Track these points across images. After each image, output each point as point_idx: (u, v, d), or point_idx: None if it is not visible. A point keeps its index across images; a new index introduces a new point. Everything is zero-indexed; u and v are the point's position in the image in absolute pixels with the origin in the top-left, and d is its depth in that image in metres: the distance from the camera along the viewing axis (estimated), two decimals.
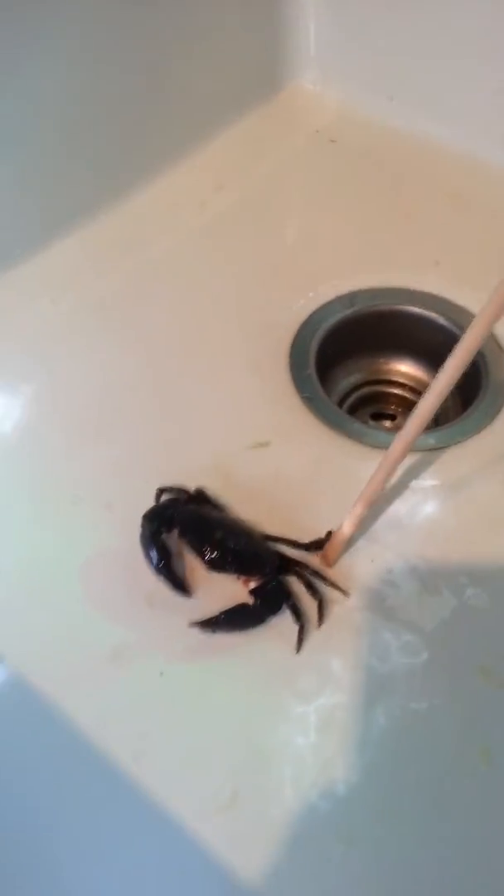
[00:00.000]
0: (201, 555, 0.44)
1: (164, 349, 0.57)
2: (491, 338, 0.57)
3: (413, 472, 0.50)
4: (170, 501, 0.48)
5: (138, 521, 0.46)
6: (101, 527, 0.47)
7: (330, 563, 0.46)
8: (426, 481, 0.50)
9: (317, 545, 0.46)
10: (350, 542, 0.46)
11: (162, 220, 0.66)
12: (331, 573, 0.45)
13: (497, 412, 0.53)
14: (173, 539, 0.46)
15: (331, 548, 0.45)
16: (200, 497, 0.48)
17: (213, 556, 0.44)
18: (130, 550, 0.46)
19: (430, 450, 0.51)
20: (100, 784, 0.38)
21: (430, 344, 0.60)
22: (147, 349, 0.58)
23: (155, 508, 0.47)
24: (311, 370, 0.55)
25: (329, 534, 0.46)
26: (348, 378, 0.61)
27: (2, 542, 0.48)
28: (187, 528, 0.45)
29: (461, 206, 0.68)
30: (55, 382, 0.56)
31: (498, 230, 0.66)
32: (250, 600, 0.44)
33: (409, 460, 0.51)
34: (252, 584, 0.44)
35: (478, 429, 0.52)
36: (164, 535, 0.45)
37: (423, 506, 0.49)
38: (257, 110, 0.75)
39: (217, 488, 0.49)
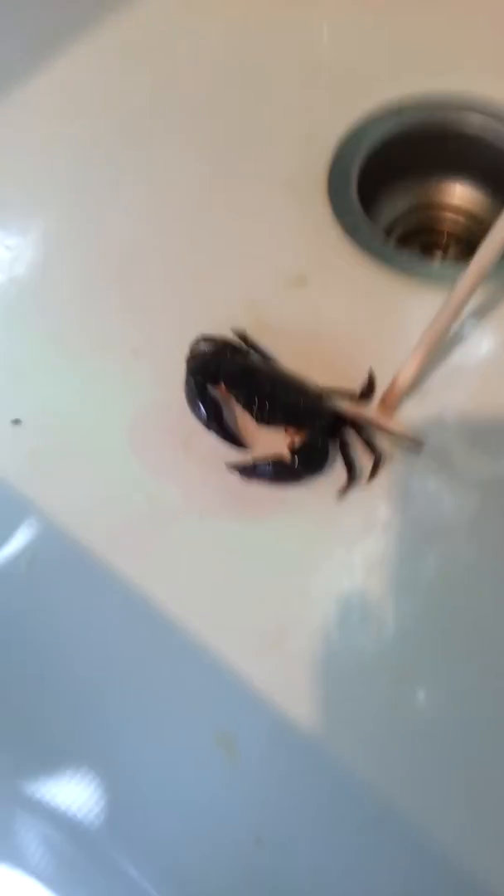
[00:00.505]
0: (250, 408, 0.41)
1: (189, 173, 0.51)
2: None
3: (467, 308, 0.45)
4: (214, 353, 0.44)
5: (165, 366, 0.43)
6: (129, 374, 0.44)
7: (390, 410, 0.42)
8: (482, 318, 0.45)
9: (370, 392, 0.43)
10: (410, 389, 0.42)
11: (183, 19, 0.57)
12: (395, 426, 0.42)
13: None
14: (220, 391, 0.42)
15: (390, 395, 0.42)
16: (246, 346, 0.44)
17: (262, 409, 0.41)
18: (162, 397, 0.43)
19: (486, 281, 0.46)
20: (145, 631, 0.38)
21: (491, 162, 0.52)
22: (169, 174, 0.51)
23: (200, 360, 0.43)
24: (353, 195, 0.49)
25: (391, 382, 0.42)
26: (394, 203, 0.54)
27: (28, 393, 0.45)
28: (235, 381, 0.42)
29: None
30: (69, 218, 0.51)
31: None
32: (290, 456, 0.41)
33: (475, 298, 0.46)
34: (297, 440, 0.41)
35: None
36: (210, 388, 0.42)
37: (480, 349, 0.45)
38: None
39: (252, 328, 0.45)
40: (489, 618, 0.37)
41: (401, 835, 0.34)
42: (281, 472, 0.41)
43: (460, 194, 0.55)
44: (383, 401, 0.42)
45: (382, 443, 0.42)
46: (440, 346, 0.40)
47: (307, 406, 0.42)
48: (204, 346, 0.44)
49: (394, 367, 0.43)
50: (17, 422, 0.43)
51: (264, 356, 0.45)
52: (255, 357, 0.44)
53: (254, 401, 0.41)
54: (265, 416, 0.41)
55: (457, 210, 0.55)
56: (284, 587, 0.38)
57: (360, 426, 0.42)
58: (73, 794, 0.35)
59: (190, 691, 0.37)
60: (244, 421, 0.43)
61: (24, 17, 0.54)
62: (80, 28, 0.55)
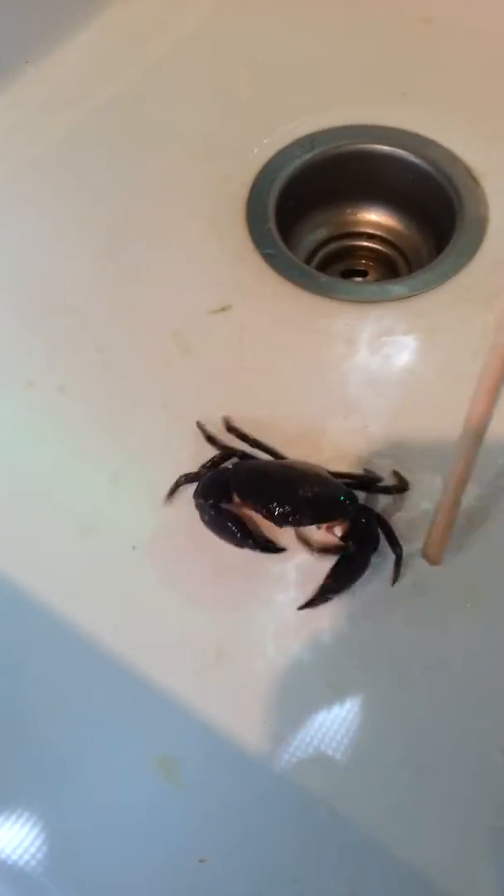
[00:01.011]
0: (271, 515, 0.39)
1: (111, 210, 0.53)
2: (464, 170, 0.52)
3: (383, 324, 0.47)
4: (214, 468, 0.41)
5: (95, 399, 0.44)
6: (56, 411, 0.45)
7: (436, 561, 0.39)
8: (399, 331, 0.47)
9: (398, 488, 0.41)
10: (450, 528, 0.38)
11: (101, 66, 0.59)
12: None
13: (474, 252, 0.49)
14: (234, 504, 0.40)
15: (432, 544, 0.39)
16: (243, 455, 0.42)
17: (287, 512, 0.38)
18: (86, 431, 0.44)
19: (403, 299, 0.48)
20: (79, 659, 0.38)
21: (401, 185, 0.55)
22: (92, 212, 0.53)
23: (205, 482, 0.40)
24: (272, 224, 0.51)
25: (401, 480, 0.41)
26: (313, 233, 0.57)
27: None
28: (249, 492, 0.39)
29: (431, 28, 0.61)
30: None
31: (471, 54, 0.60)
32: (343, 546, 0.39)
33: (380, 310, 0.48)
34: (337, 529, 0.39)
35: (453, 272, 0.49)
36: (225, 504, 0.40)
37: (396, 357, 0.46)
38: None
39: (176, 357, 0.46)
40: (423, 616, 0.38)
41: (346, 845, 0.34)
42: (351, 566, 0.39)
43: (375, 218, 0.57)
44: (426, 549, 0.39)
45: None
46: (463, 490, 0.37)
47: (329, 496, 0.39)
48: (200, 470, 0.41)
49: (318, 378, 0.45)
50: None
51: (263, 447, 0.43)
52: (253, 455, 0.42)
53: (274, 506, 0.38)
54: (291, 519, 0.38)
55: (372, 234, 0.57)
56: (219, 606, 0.39)
57: (382, 521, 0.40)
58: (12, 831, 0.34)
59: (127, 716, 0.37)
60: (266, 523, 0.40)
61: None
62: (1, 78, 0.57)
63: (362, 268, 0.57)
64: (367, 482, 0.41)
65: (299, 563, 0.40)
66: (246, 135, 0.55)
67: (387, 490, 0.41)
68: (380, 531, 0.39)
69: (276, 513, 0.38)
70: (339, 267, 0.57)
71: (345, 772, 0.35)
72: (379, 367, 0.46)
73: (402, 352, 0.47)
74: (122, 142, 0.56)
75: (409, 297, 0.48)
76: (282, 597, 0.39)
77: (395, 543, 0.39)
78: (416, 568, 0.39)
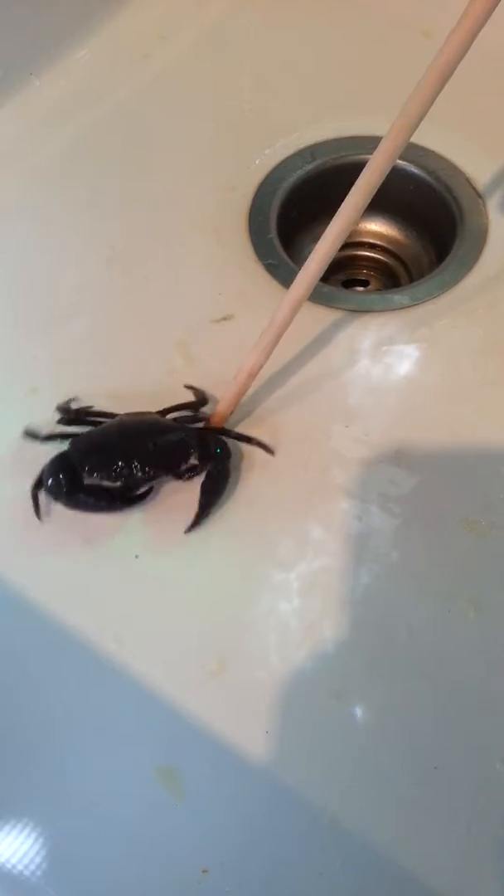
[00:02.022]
0: (127, 479, 0.40)
1: (115, 221, 0.53)
2: (465, 181, 0.53)
3: (385, 333, 0.48)
4: (52, 459, 0.41)
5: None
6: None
7: (218, 422, 0.42)
8: (400, 340, 0.47)
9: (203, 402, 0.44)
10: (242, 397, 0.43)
11: (103, 79, 0.60)
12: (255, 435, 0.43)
13: (474, 262, 0.50)
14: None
15: (221, 403, 0.42)
16: (74, 417, 0.43)
17: (137, 471, 0.39)
18: None
19: (404, 308, 0.48)
20: (81, 669, 0.38)
21: (402, 196, 0.55)
22: (96, 222, 0.53)
23: (46, 471, 0.40)
24: (273, 235, 0.51)
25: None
26: (314, 243, 0.57)
27: None
28: (95, 465, 0.39)
29: (433, 42, 0.61)
30: (1, 264, 0.52)
31: (473, 67, 0.60)
32: (199, 466, 0.41)
33: (381, 319, 0.48)
34: (193, 460, 0.41)
35: (454, 281, 0.49)
36: (82, 483, 0.40)
37: (397, 366, 0.47)
38: None
39: (181, 366, 0.47)
40: (421, 627, 0.38)
41: (348, 855, 0.34)
42: (214, 484, 0.41)
43: (376, 229, 0.58)
44: (213, 412, 0.43)
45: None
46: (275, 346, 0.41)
47: (171, 439, 0.41)
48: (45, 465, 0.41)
49: (320, 387, 0.45)
50: None
51: (99, 415, 0.43)
52: (90, 423, 0.42)
53: (126, 469, 0.39)
54: (144, 475, 0.39)
55: (373, 244, 0.58)
56: (223, 616, 0.39)
57: (226, 430, 0.43)
58: (15, 842, 0.34)
59: (129, 726, 0.37)
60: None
61: None
62: (6, 90, 0.57)
63: (364, 277, 0.58)
64: (192, 407, 0.43)
65: (302, 571, 0.40)
66: (247, 146, 0.55)
67: (190, 406, 0.43)
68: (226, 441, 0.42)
69: (133, 474, 0.39)
70: (340, 276, 0.58)
71: (347, 781, 0.35)
72: (380, 376, 0.46)
73: (404, 360, 0.47)
74: (126, 153, 0.56)
75: (410, 306, 0.49)
76: (284, 606, 0.39)
77: (246, 439, 0.43)
78: None
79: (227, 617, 0.39)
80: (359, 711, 0.36)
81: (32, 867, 0.34)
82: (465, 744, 0.36)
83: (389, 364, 0.47)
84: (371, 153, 0.55)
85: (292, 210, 0.53)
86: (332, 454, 0.43)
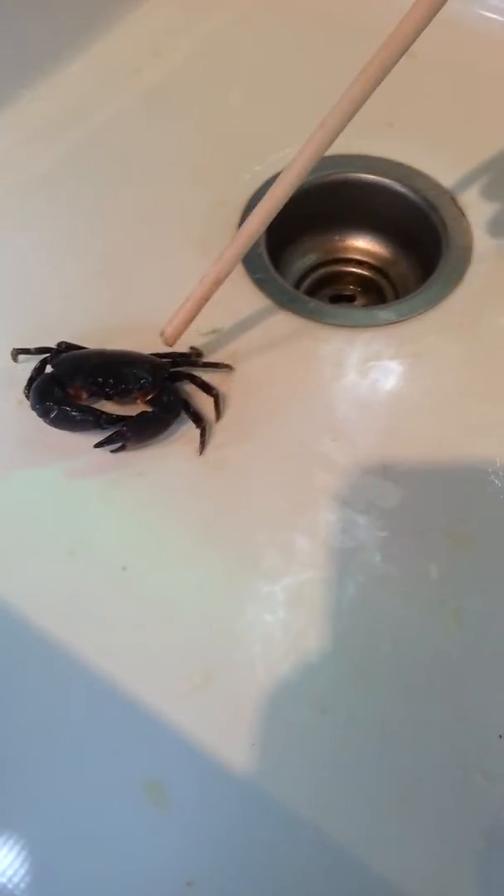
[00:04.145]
0: (102, 390, 0.44)
1: (105, 234, 0.54)
2: (450, 200, 0.54)
3: (372, 348, 0.48)
4: (40, 370, 0.46)
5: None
6: (46, 431, 0.45)
7: (170, 342, 0.45)
8: (386, 356, 0.48)
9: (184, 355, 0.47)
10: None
11: (96, 91, 0.60)
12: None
13: (459, 280, 0.51)
14: (69, 395, 0.45)
15: (176, 319, 0.44)
16: (65, 348, 0.47)
17: (111, 386, 0.44)
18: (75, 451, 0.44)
19: (390, 324, 0.49)
20: (65, 681, 0.38)
21: (387, 214, 0.56)
22: (86, 235, 0.54)
23: (36, 387, 0.44)
24: (262, 250, 0.52)
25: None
26: (303, 259, 0.58)
27: None
28: (75, 376, 0.44)
29: (418, 63, 0.63)
30: None
31: (458, 87, 0.62)
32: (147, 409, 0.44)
33: (368, 335, 0.49)
34: (147, 398, 0.45)
35: (439, 298, 0.50)
36: (63, 399, 0.44)
37: (383, 381, 0.47)
38: None
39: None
40: (405, 639, 0.39)
41: (331, 866, 0.34)
42: (146, 423, 0.43)
43: (362, 246, 0.59)
44: (163, 329, 0.44)
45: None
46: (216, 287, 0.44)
47: (145, 367, 0.45)
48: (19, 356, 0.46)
49: (307, 400, 0.46)
50: None
51: (80, 348, 0.47)
52: (76, 349, 0.47)
53: (99, 382, 0.44)
54: (118, 391, 0.44)
55: (360, 261, 0.58)
56: (208, 628, 0.39)
57: (192, 376, 0.46)
58: None
59: (114, 741, 0.37)
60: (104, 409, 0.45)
61: None
62: (6, 93, 0.58)
63: (350, 293, 0.58)
64: (181, 357, 0.47)
65: (287, 585, 0.40)
66: (237, 162, 0.56)
67: (204, 365, 0.47)
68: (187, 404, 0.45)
69: (106, 387, 0.44)
70: (327, 292, 0.58)
71: (332, 793, 0.35)
72: (367, 391, 0.47)
73: (389, 376, 0.48)
74: (117, 167, 0.57)
75: (396, 322, 0.49)
76: (269, 617, 0.39)
77: (204, 365, 0.46)
78: None
79: (212, 628, 0.39)
80: (343, 724, 0.37)
81: (16, 880, 0.33)
82: (448, 756, 0.36)
83: (376, 379, 0.48)
84: (358, 171, 0.56)
85: (281, 227, 0.54)
86: (318, 467, 0.44)
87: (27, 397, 0.45)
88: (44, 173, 0.56)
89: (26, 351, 0.46)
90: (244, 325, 0.49)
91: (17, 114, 0.58)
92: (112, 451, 0.43)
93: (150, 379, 0.44)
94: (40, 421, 0.44)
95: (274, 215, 0.42)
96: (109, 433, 0.43)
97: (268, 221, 0.42)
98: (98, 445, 0.43)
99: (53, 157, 0.57)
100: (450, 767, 0.36)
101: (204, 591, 0.40)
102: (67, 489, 0.43)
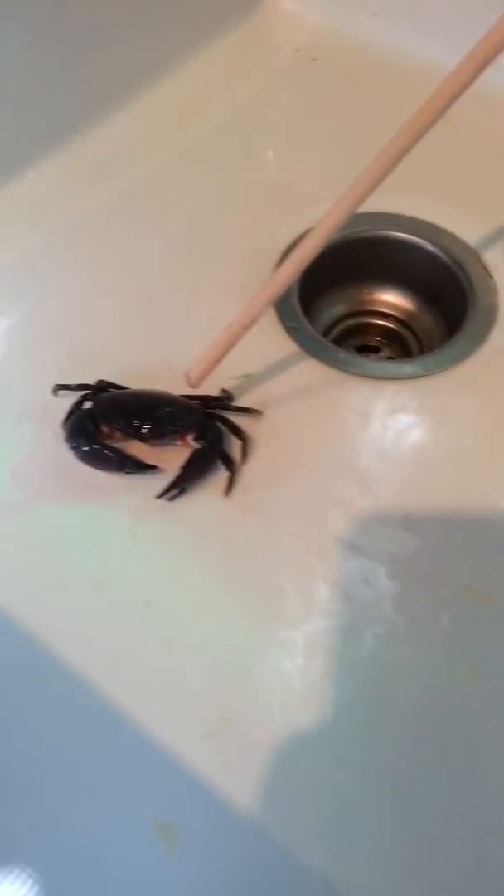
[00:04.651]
0: (138, 433, 0.45)
1: (146, 276, 0.56)
2: (477, 260, 0.56)
3: (397, 401, 0.50)
4: (78, 405, 0.47)
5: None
6: (80, 468, 0.46)
7: (194, 383, 0.46)
8: (410, 409, 0.49)
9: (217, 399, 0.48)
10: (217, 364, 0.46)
11: (143, 142, 0.63)
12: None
13: (484, 338, 0.52)
14: (103, 434, 0.46)
15: (203, 362, 0.45)
16: (104, 386, 0.48)
17: (150, 427, 0.45)
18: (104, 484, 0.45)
19: (416, 377, 0.51)
20: (84, 716, 0.38)
21: (416, 271, 0.58)
22: (128, 277, 0.56)
23: (72, 423, 0.46)
24: (295, 299, 0.54)
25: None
26: (332, 309, 0.60)
27: None
28: (111, 416, 0.45)
29: (450, 127, 0.65)
30: (36, 312, 0.54)
31: (488, 152, 0.64)
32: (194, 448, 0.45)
33: (394, 387, 0.50)
34: (190, 439, 0.46)
35: (464, 355, 0.51)
36: (96, 437, 0.45)
37: (406, 434, 0.48)
38: (237, 30, 0.71)
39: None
40: (422, 694, 0.39)
41: None
42: (200, 461, 0.45)
43: (389, 300, 0.60)
44: (189, 371, 0.46)
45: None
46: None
47: (182, 409, 0.46)
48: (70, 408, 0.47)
49: (332, 449, 0.47)
50: None
51: (121, 387, 0.48)
52: (115, 389, 0.48)
53: (135, 426, 0.45)
54: (153, 435, 0.45)
55: (387, 314, 0.60)
56: (227, 671, 0.39)
57: (223, 419, 0.47)
58: (9, 893, 0.34)
59: (129, 779, 0.37)
60: (138, 451, 0.46)
61: (10, 128, 0.59)
62: (51, 146, 0.61)
63: (375, 344, 0.60)
64: (214, 401, 0.48)
65: (307, 631, 0.40)
66: (274, 214, 0.58)
67: (235, 409, 0.48)
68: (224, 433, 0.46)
69: (142, 430, 0.45)
70: (353, 342, 0.60)
71: (343, 845, 0.35)
72: (390, 442, 0.48)
73: (413, 428, 0.49)
74: (159, 213, 0.59)
75: (421, 376, 0.51)
76: (288, 664, 0.40)
77: (235, 409, 0.47)
78: None
79: (231, 671, 0.39)
80: (357, 775, 0.37)
81: None
82: (461, 813, 0.36)
83: (400, 431, 0.49)
84: (390, 229, 0.58)
85: (313, 278, 0.55)
86: (341, 515, 0.44)
87: (63, 430, 0.46)
88: (90, 215, 0.59)
89: (66, 387, 0.48)
90: (274, 371, 0.51)
91: (69, 156, 0.60)
92: (170, 499, 0.44)
93: (187, 422, 0.45)
94: (73, 455, 0.45)
95: (304, 267, 0.44)
96: (138, 471, 0.44)
97: (298, 273, 0.44)
98: (160, 497, 0.44)
99: (101, 200, 0.59)
100: (463, 825, 0.36)
101: (224, 632, 0.41)
102: (96, 523, 0.44)
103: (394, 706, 0.39)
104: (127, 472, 0.45)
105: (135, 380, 0.49)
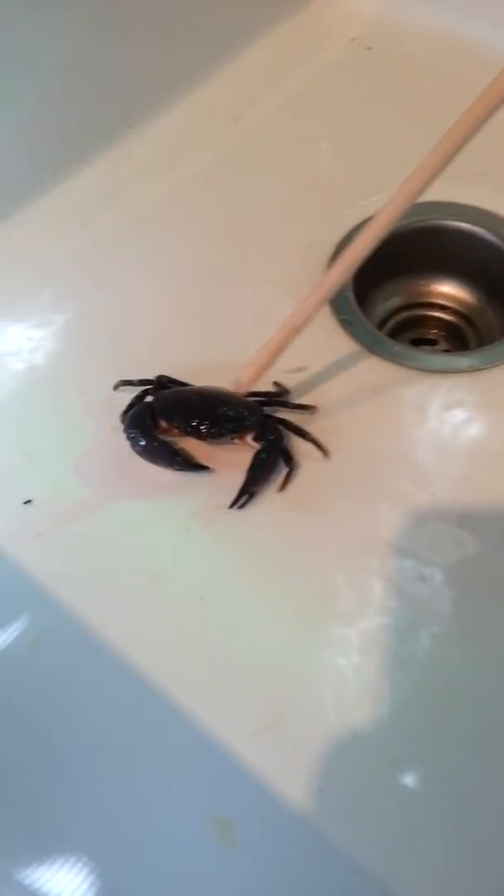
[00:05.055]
0: (196, 431, 0.45)
1: (200, 271, 0.56)
2: None
3: (453, 395, 0.48)
4: (139, 399, 0.47)
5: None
6: (135, 458, 0.47)
7: (245, 387, 0.46)
8: (467, 403, 0.48)
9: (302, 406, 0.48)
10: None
11: (195, 137, 0.63)
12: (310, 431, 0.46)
13: None
14: (161, 430, 0.46)
15: (253, 366, 0.45)
16: (165, 382, 0.48)
17: (208, 426, 0.44)
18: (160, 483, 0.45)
19: (474, 370, 0.49)
20: (141, 709, 0.38)
21: (475, 262, 0.56)
22: (181, 272, 0.56)
23: (132, 414, 0.46)
24: (349, 292, 0.53)
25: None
26: (387, 302, 0.58)
27: (38, 473, 0.47)
28: (171, 413, 0.45)
29: None
30: (91, 308, 0.55)
31: None
32: (256, 450, 0.45)
33: (451, 381, 0.49)
34: (249, 439, 0.45)
35: None
36: (154, 432, 0.45)
37: (464, 428, 0.47)
38: (290, 20, 0.71)
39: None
40: (480, 696, 0.38)
41: None
42: (263, 464, 0.44)
43: (447, 291, 0.59)
44: (239, 376, 0.45)
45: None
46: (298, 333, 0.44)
47: (241, 409, 0.45)
48: (131, 401, 0.47)
49: (387, 444, 0.46)
50: (28, 502, 0.45)
51: (182, 383, 0.48)
52: (175, 385, 0.48)
53: (194, 425, 0.45)
54: (212, 434, 0.45)
55: (444, 306, 0.59)
56: (281, 667, 0.39)
57: (285, 421, 0.46)
58: (66, 880, 0.35)
59: (186, 774, 0.37)
60: (194, 448, 0.46)
61: (59, 129, 0.60)
62: (104, 143, 0.62)
63: (432, 337, 0.59)
64: (275, 397, 0.48)
65: (361, 629, 0.40)
66: (329, 206, 0.57)
67: (292, 406, 0.47)
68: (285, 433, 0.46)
69: (200, 428, 0.44)
70: (409, 335, 0.59)
71: (398, 847, 0.35)
72: (448, 437, 0.47)
73: (472, 423, 0.48)
74: (212, 208, 0.59)
75: (479, 369, 0.49)
76: (343, 661, 0.39)
77: (302, 434, 0.46)
78: None
79: (285, 667, 0.39)
80: (414, 777, 0.36)
81: None
82: None
83: (457, 426, 0.47)
84: (448, 218, 0.57)
85: (368, 269, 0.54)
86: (396, 511, 0.44)
87: (122, 422, 0.46)
88: (144, 211, 0.59)
89: (129, 382, 0.48)
90: (328, 365, 0.50)
91: (123, 153, 0.61)
92: (241, 507, 0.44)
93: (246, 422, 0.45)
94: (130, 448, 0.45)
95: (358, 264, 0.43)
96: (188, 469, 0.45)
97: (352, 270, 0.43)
98: (232, 506, 0.43)
99: (154, 196, 0.60)
100: None
101: (279, 628, 0.40)
102: (151, 516, 0.44)
103: (451, 707, 0.38)
104: (177, 469, 0.45)
105: (187, 375, 0.49)
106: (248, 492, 0.44)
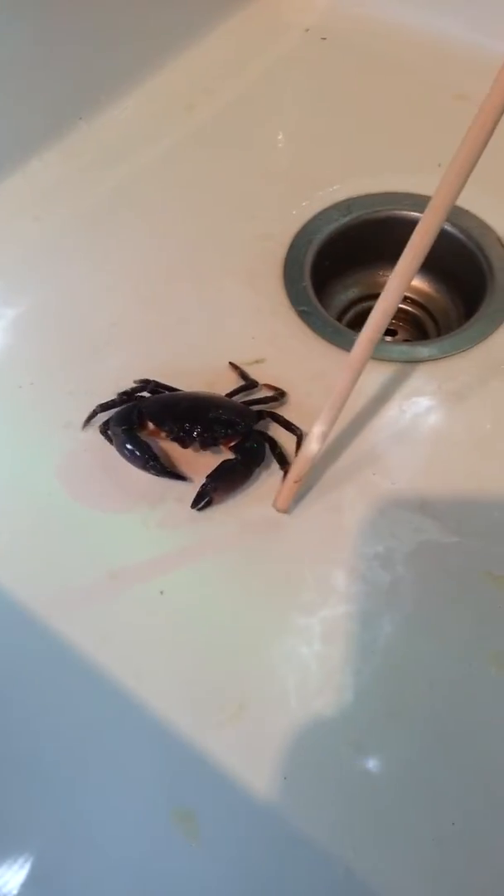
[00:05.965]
0: (187, 435, 0.43)
1: (155, 263, 0.55)
2: (496, 241, 0.55)
3: (414, 384, 0.49)
4: (125, 398, 0.46)
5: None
6: (94, 450, 0.46)
7: (283, 508, 0.43)
8: (427, 392, 0.48)
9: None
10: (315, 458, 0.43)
11: (148, 127, 0.62)
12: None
13: (503, 319, 0.51)
14: (147, 432, 0.45)
15: (297, 466, 0.42)
16: (155, 387, 0.47)
17: (196, 433, 0.43)
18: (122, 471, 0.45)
19: (433, 360, 0.50)
20: (102, 704, 0.38)
21: (432, 252, 0.56)
22: (136, 264, 0.55)
23: (120, 411, 0.45)
24: (307, 283, 0.53)
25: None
26: (346, 292, 0.59)
27: None
28: (158, 416, 0.44)
29: (465, 104, 0.64)
30: (43, 302, 0.54)
31: (501, 132, 0.62)
32: (230, 458, 0.44)
33: (410, 370, 0.49)
34: (232, 445, 0.44)
35: (482, 337, 0.50)
36: (137, 433, 0.45)
37: (424, 417, 0.48)
38: (244, 10, 0.70)
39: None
40: (442, 681, 0.38)
41: None
42: (231, 473, 0.43)
43: None
44: (280, 492, 0.43)
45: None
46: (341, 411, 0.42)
47: (233, 413, 0.45)
48: (117, 398, 0.46)
49: (348, 434, 0.46)
50: None
51: (172, 388, 0.47)
52: (165, 390, 0.47)
53: (186, 429, 0.43)
54: (203, 438, 0.43)
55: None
56: (243, 658, 0.39)
57: (275, 415, 0.46)
58: (24, 876, 0.34)
59: (149, 767, 0.37)
60: (178, 456, 0.45)
61: (7, 119, 0.58)
62: (54, 134, 0.60)
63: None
64: (271, 401, 0.47)
65: (324, 617, 0.40)
66: (285, 197, 0.57)
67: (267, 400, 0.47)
68: (269, 450, 0.44)
69: (192, 434, 0.43)
70: None
71: (364, 833, 0.35)
72: (408, 426, 0.47)
73: (431, 412, 0.48)
74: (167, 198, 0.59)
75: (438, 358, 0.50)
76: (305, 650, 0.39)
77: (283, 460, 0.44)
78: None
79: (247, 658, 0.39)
80: (378, 763, 0.36)
81: None
82: (482, 802, 0.36)
83: (417, 414, 0.48)
84: (405, 209, 0.57)
85: (326, 260, 0.55)
86: (358, 501, 0.44)
87: (99, 410, 0.46)
88: (97, 202, 0.58)
89: (108, 406, 0.47)
90: (287, 356, 0.50)
91: (74, 144, 0.60)
92: (199, 510, 0.43)
93: (239, 427, 0.44)
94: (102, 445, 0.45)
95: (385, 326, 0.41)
96: (162, 475, 0.44)
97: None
98: (193, 507, 0.42)
99: (107, 187, 0.59)
100: (484, 813, 0.35)
101: (241, 619, 0.40)
102: (109, 512, 0.44)
103: (413, 692, 0.38)
104: (154, 474, 0.44)
105: (143, 369, 0.49)
106: (209, 493, 0.42)
